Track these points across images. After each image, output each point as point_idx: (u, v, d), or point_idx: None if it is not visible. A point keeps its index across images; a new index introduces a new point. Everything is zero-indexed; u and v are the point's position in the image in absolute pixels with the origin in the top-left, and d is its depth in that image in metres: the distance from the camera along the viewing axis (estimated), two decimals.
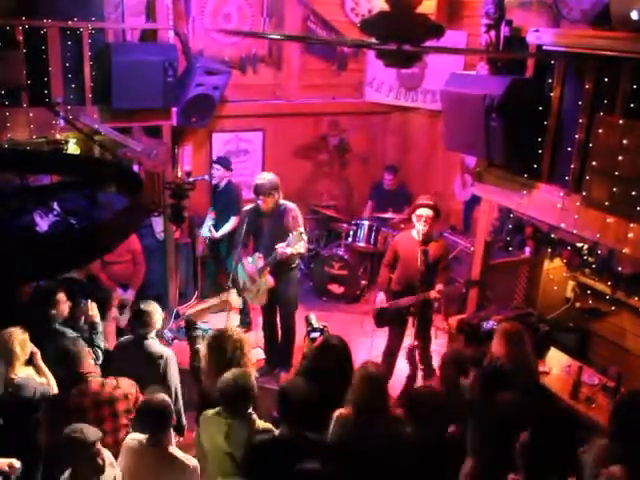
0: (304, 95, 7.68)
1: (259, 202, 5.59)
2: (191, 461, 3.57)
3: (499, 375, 4.05)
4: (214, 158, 7.07)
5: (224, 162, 6.82)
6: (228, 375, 3.59)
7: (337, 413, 3.68)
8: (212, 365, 3.91)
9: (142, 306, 4.30)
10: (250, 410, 3.61)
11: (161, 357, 4.21)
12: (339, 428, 3.64)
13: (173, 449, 3.57)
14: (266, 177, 5.63)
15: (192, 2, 6.78)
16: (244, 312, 6.79)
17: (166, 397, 3.65)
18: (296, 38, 6.68)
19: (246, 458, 3.46)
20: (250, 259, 5.81)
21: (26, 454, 3.78)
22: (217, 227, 6.78)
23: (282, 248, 5.44)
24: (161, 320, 4.45)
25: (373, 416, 3.59)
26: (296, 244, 5.45)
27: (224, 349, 3.91)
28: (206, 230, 6.77)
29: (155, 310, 4.32)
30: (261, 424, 3.63)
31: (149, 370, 4.14)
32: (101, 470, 3.23)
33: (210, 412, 3.67)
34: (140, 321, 4.27)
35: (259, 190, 5.55)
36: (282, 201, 5.68)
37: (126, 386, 3.83)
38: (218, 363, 3.86)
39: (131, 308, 5.75)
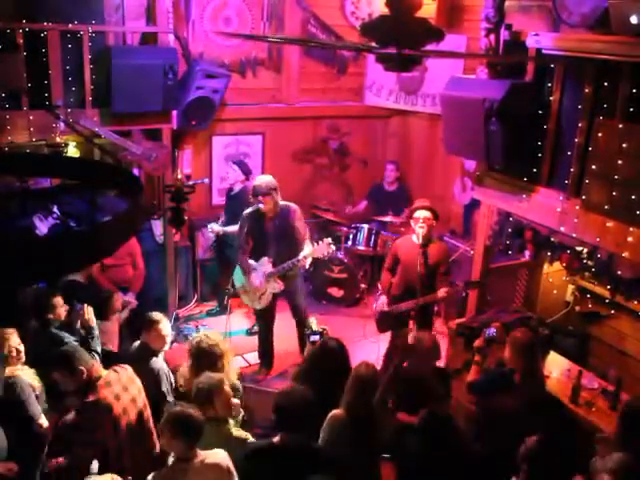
0: (304, 99, 7.70)
1: (259, 204, 5.63)
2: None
3: (504, 379, 4.07)
4: (236, 160, 7.02)
5: (243, 166, 6.76)
6: (198, 378, 3.65)
7: (331, 414, 3.68)
8: (193, 372, 3.99)
9: (157, 319, 4.34)
10: (223, 416, 3.62)
11: (157, 373, 4.24)
12: (331, 429, 3.64)
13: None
14: (263, 178, 5.71)
15: (192, 5, 6.79)
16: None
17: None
18: (296, 41, 6.69)
19: (244, 466, 3.45)
20: (255, 263, 5.79)
21: (22, 455, 3.78)
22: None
23: (304, 259, 5.58)
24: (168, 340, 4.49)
25: (367, 416, 3.60)
26: (326, 252, 5.63)
27: (206, 355, 4.01)
28: (209, 230, 6.75)
29: (162, 332, 4.36)
30: (234, 431, 3.65)
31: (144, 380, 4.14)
32: None
33: None
34: (151, 335, 4.32)
35: (257, 191, 5.59)
36: (283, 202, 5.71)
37: (127, 369, 3.92)
38: (199, 370, 3.93)
39: (130, 310, 5.76)
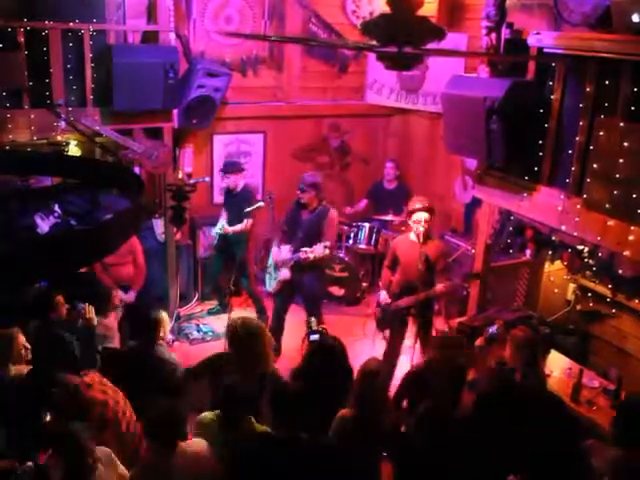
0: (305, 97, 7.69)
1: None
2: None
3: (505, 378, 4.08)
4: (220, 166, 6.92)
5: (233, 168, 6.67)
6: (229, 383, 3.61)
7: (340, 414, 3.68)
8: (240, 356, 4.01)
9: (153, 315, 4.34)
10: (247, 416, 3.60)
11: (167, 364, 4.23)
12: (339, 426, 3.65)
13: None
14: (306, 174, 5.97)
15: (193, 4, 6.79)
16: (261, 310, 6.86)
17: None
18: (297, 40, 6.69)
19: (238, 460, 3.45)
20: (283, 246, 6.02)
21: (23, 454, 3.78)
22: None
23: (305, 253, 5.69)
24: (169, 329, 4.51)
25: (374, 412, 3.60)
26: (319, 254, 5.70)
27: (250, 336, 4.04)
28: (218, 228, 6.76)
29: (166, 320, 4.39)
30: (259, 427, 3.63)
31: (155, 376, 4.13)
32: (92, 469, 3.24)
33: (208, 416, 3.66)
34: (150, 329, 4.31)
35: (299, 184, 5.86)
36: (327, 204, 5.92)
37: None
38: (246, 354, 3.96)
39: (126, 308, 5.77)
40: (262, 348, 4.05)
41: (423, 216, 5.29)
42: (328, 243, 5.72)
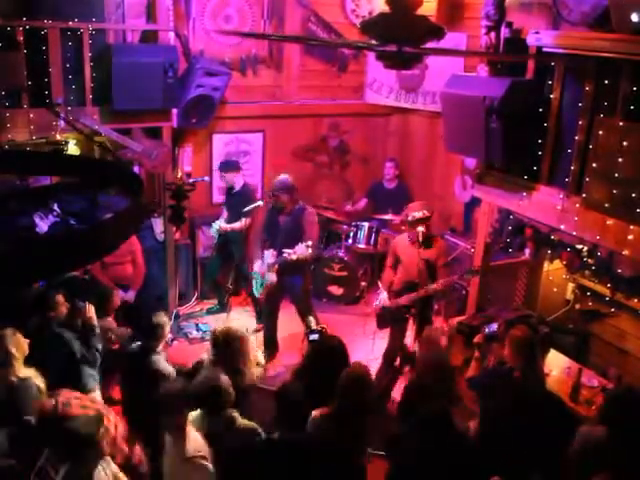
0: (304, 96, 7.69)
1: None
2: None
3: (504, 376, 4.08)
4: (218, 165, 6.95)
5: (229, 166, 6.73)
6: (199, 376, 3.68)
7: (314, 413, 3.67)
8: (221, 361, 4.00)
9: (154, 319, 4.32)
10: (229, 408, 3.64)
11: (163, 376, 4.22)
12: (314, 428, 3.65)
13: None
14: (278, 178, 5.91)
15: (193, 3, 6.78)
16: (260, 311, 6.83)
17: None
18: (296, 39, 6.68)
19: (245, 460, 3.46)
20: (266, 252, 6.00)
21: (26, 456, 3.78)
22: None
23: (288, 254, 5.67)
24: (168, 331, 4.51)
25: (354, 415, 3.60)
26: (301, 254, 5.64)
27: (230, 346, 4.02)
28: (215, 228, 6.76)
29: (166, 323, 4.39)
30: (243, 422, 3.66)
31: (152, 386, 4.12)
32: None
33: (194, 413, 3.70)
34: (151, 333, 4.31)
35: (270, 189, 5.91)
36: (302, 204, 5.93)
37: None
38: (226, 360, 3.96)
39: (125, 308, 5.76)
40: (240, 360, 4.03)
41: (424, 222, 5.30)
42: (310, 242, 5.66)
